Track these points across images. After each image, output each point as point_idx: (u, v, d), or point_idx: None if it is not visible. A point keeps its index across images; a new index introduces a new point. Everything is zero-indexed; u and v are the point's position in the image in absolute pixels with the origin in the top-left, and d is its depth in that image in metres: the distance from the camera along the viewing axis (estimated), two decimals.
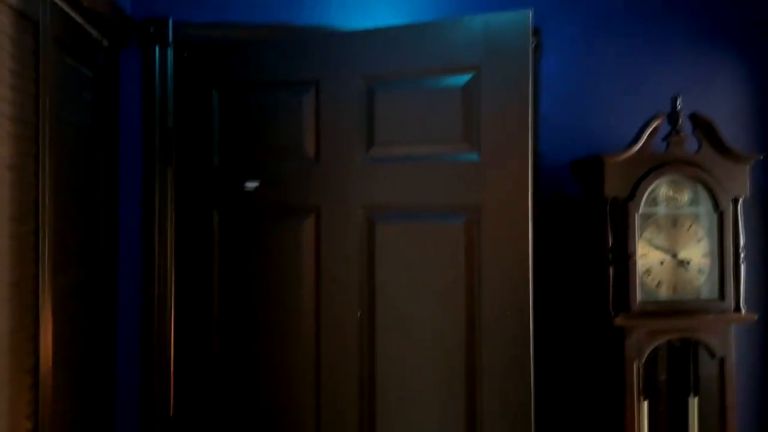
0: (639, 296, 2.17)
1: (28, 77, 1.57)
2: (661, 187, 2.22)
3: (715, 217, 2.23)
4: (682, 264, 2.23)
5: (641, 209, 2.18)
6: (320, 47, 2.14)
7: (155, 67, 2.25)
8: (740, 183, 2.22)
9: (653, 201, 2.21)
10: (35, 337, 1.59)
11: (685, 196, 2.24)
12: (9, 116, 1.46)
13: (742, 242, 2.22)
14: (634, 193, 2.17)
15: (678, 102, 2.22)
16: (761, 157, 2.28)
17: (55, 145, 1.68)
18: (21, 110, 1.52)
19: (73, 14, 1.87)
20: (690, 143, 2.22)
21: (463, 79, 1.99)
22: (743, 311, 2.22)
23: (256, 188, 2.17)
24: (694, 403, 2.28)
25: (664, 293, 2.22)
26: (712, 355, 2.22)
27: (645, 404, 2.20)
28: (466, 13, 2.36)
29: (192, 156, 2.24)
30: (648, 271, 2.21)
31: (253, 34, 2.32)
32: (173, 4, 2.27)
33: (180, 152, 2.27)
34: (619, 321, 2.14)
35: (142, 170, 2.27)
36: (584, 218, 2.38)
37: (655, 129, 2.19)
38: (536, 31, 2.41)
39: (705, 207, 2.24)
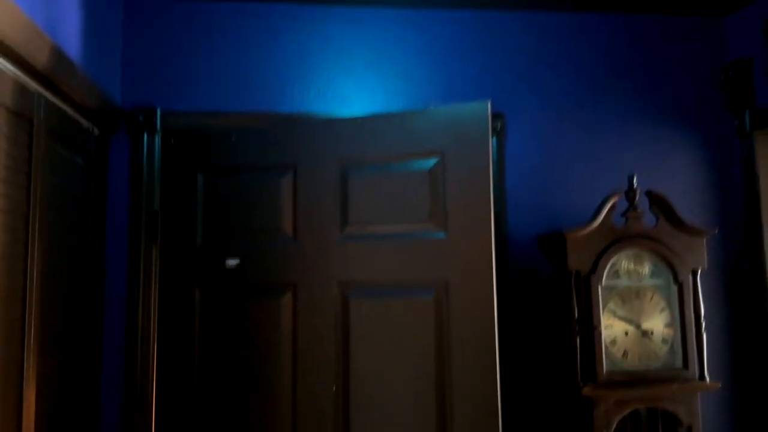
0: (606, 366, 2.25)
1: (21, 171, 1.70)
2: (622, 261, 2.34)
3: (675, 289, 2.34)
4: (646, 334, 2.32)
5: (604, 282, 2.29)
6: (298, 134, 2.29)
7: (143, 152, 2.40)
8: (698, 255, 2.34)
9: (615, 274, 2.33)
10: (18, 416, 1.65)
11: (646, 269, 2.35)
12: (1, 208, 1.58)
13: (702, 312, 2.32)
14: (596, 267, 2.28)
15: (634, 180, 2.37)
16: (716, 231, 2.42)
17: (44, 232, 1.80)
18: (13, 202, 1.64)
19: (65, 108, 2.02)
20: (648, 218, 2.36)
21: (429, 163, 2.13)
22: (707, 380, 2.29)
23: (237, 265, 2.27)
24: None
25: (629, 363, 2.30)
26: (680, 423, 2.28)
27: None
28: (435, 101, 2.55)
29: (176, 235, 2.35)
30: (614, 342, 2.30)
31: (237, 120, 2.48)
32: (161, 94, 2.44)
33: (165, 232, 2.38)
34: (587, 391, 2.21)
35: (128, 249, 2.38)
36: (552, 290, 2.49)
37: (613, 206, 2.33)
38: (500, 116, 2.59)
39: (665, 279, 2.35)
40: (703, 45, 2.76)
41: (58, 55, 1.79)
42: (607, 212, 2.32)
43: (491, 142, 2.07)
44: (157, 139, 2.41)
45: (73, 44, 1.99)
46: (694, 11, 2.72)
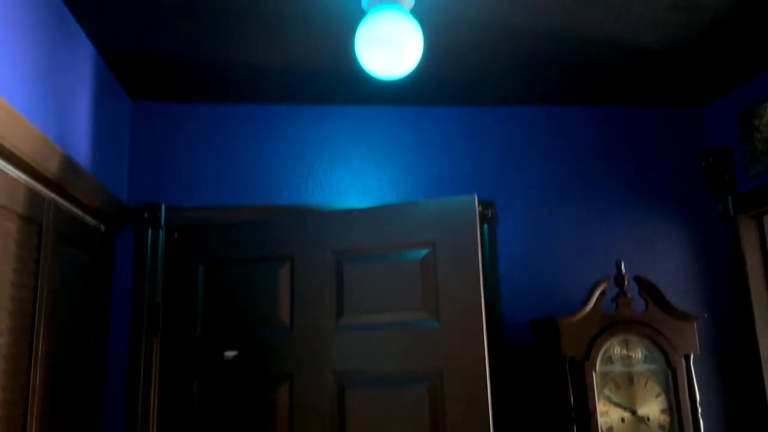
0: None
1: (30, 272, 1.79)
2: (615, 346, 2.37)
3: (669, 373, 2.35)
4: (643, 421, 2.32)
5: (598, 368, 2.31)
6: (295, 226, 2.39)
7: (147, 247, 2.50)
8: (689, 340, 2.37)
9: (609, 359, 2.35)
10: None
11: (639, 354, 2.38)
12: (9, 310, 1.66)
13: (698, 397, 2.33)
14: (589, 353, 2.31)
15: (622, 266, 2.43)
16: (706, 315, 2.45)
17: (48, 329, 1.87)
18: (20, 303, 1.72)
19: (74, 210, 2.14)
20: (638, 303, 2.40)
21: (421, 253, 2.21)
22: None
23: (235, 357, 2.32)
24: None
25: None
26: None
27: None
28: (428, 192, 2.66)
29: (176, 327, 2.42)
30: (610, 429, 2.30)
31: (238, 214, 2.59)
32: (166, 191, 2.57)
33: (166, 324, 2.45)
34: None
35: (129, 341, 2.43)
36: (548, 373, 2.51)
37: (603, 291, 2.38)
38: (490, 204, 2.69)
39: (659, 364, 2.37)
40: (685, 133, 2.89)
41: (67, 162, 1.92)
42: (597, 298, 2.37)
43: (482, 230, 2.16)
44: (161, 234, 2.52)
45: (82, 151, 2.13)
46: (675, 101, 2.86)
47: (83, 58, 2.15)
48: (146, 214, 2.51)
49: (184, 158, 2.62)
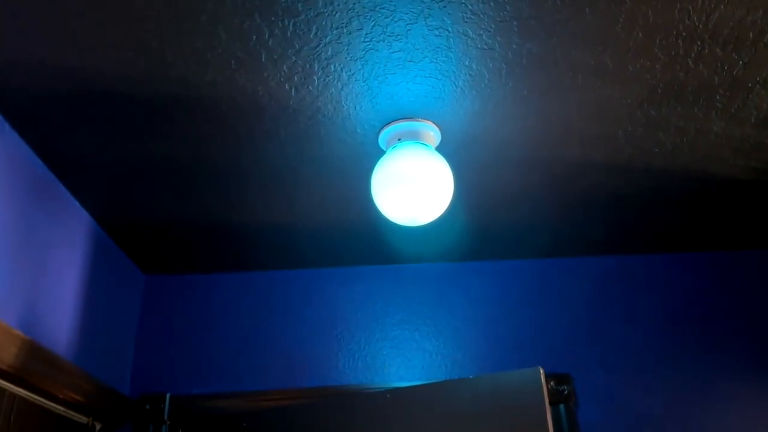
0: None
1: None
2: None
3: None
4: None
5: None
6: (323, 414, 1.94)
7: None
8: None
9: None
10: None
11: None
12: None
13: None
14: None
15: None
16: None
17: None
18: None
19: (52, 405, 1.78)
20: None
21: None
22: None
23: None
24: None
25: None
26: None
27: None
28: (482, 367, 2.20)
29: None
30: None
31: (254, 401, 2.16)
32: (174, 377, 2.20)
33: None
34: None
35: None
36: None
37: None
38: (565, 378, 2.17)
39: None
40: None
41: (34, 350, 1.60)
42: None
43: (557, 411, 1.66)
44: (164, 429, 2.11)
45: (65, 337, 1.83)
46: None
47: (73, 232, 1.92)
48: (148, 406, 2.12)
49: (196, 338, 2.28)
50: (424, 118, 1.61)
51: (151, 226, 2.07)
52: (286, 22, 1.28)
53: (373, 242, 2.23)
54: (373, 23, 1.30)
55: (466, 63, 1.41)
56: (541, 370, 1.69)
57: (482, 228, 2.18)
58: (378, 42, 1.35)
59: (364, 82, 1.46)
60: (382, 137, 1.63)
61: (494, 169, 1.83)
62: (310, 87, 1.47)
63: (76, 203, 1.92)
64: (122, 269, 2.24)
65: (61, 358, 1.74)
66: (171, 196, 1.91)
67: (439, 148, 1.71)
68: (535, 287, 2.36)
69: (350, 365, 2.25)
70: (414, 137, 1.61)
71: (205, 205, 1.97)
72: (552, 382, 2.15)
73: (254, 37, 1.31)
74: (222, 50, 1.34)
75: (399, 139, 1.61)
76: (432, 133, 1.64)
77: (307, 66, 1.40)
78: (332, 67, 1.41)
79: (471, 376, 1.84)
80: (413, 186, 1.54)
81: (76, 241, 1.92)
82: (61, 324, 1.81)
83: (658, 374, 2.19)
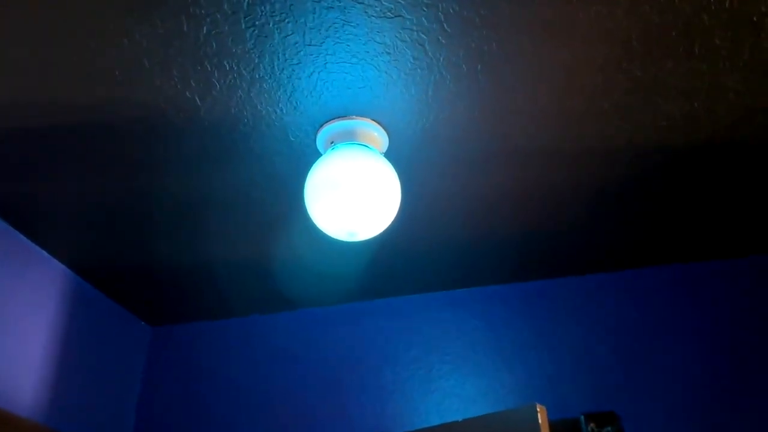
0: None
1: None
2: None
3: None
4: None
5: None
6: None
7: None
8: None
9: None
10: None
11: None
12: None
13: None
14: None
15: None
16: None
17: None
18: None
19: None
20: None
21: None
22: None
23: None
24: None
25: None
26: None
27: None
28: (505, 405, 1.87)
29: None
30: None
31: None
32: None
33: None
34: None
35: None
36: None
37: None
38: (609, 418, 1.77)
39: None
40: None
41: None
42: None
43: None
44: None
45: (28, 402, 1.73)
46: None
47: (42, 285, 1.84)
48: None
49: (194, 404, 2.12)
50: (363, 116, 1.40)
51: (138, 272, 1.97)
52: (156, 19, 1.13)
53: (380, 272, 1.99)
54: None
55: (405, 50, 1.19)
56: (539, 408, 1.36)
57: (498, 245, 1.88)
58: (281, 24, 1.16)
59: (273, 78, 1.27)
60: (319, 141, 1.43)
61: (489, 174, 1.56)
62: (214, 92, 1.30)
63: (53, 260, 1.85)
64: (127, 324, 2.15)
65: (25, 420, 1.64)
66: (156, 239, 1.79)
67: (388, 155, 1.48)
68: (564, 310, 1.99)
69: (365, 412, 1.99)
70: (351, 138, 1.39)
71: (193, 247, 1.84)
72: (592, 425, 1.77)
73: (125, 41, 1.17)
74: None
75: (332, 142, 1.40)
76: (375, 134, 1.41)
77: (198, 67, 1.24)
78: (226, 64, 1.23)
79: (460, 419, 1.52)
80: (346, 192, 1.31)
81: (47, 295, 1.83)
82: (26, 383, 1.71)
83: (725, 407, 1.74)
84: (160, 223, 1.72)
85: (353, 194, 1.31)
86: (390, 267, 1.97)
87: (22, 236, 1.74)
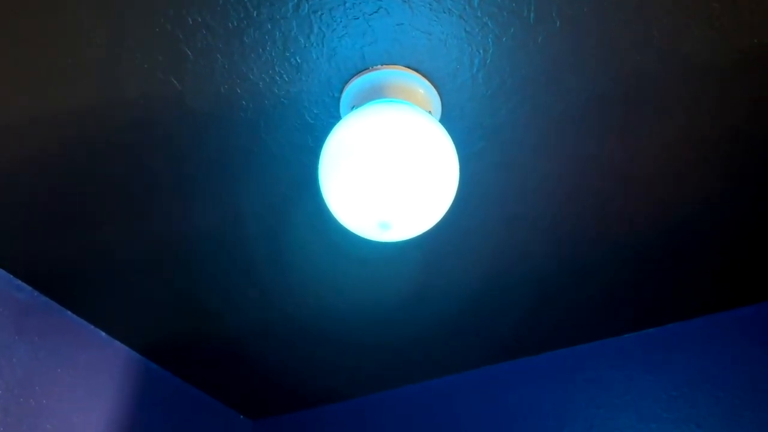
0: None
1: None
2: None
3: None
4: None
5: None
6: None
7: None
8: None
9: None
10: None
11: None
12: None
13: None
14: None
15: None
16: None
17: None
18: None
19: None
20: None
21: None
22: None
23: None
24: None
25: None
26: None
27: None
28: None
29: None
30: None
31: None
32: None
33: None
34: None
35: None
36: None
37: None
38: None
39: None
40: None
41: None
42: None
43: None
44: None
45: None
46: None
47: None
48: None
49: None
50: (407, 67, 0.98)
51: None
52: None
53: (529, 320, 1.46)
54: None
55: None
56: None
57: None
58: None
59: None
60: (342, 106, 1.03)
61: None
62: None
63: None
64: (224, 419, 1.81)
65: None
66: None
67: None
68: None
69: None
70: (382, 94, 0.97)
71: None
72: None
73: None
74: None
75: (353, 107, 0.99)
76: (422, 91, 0.98)
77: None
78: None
79: None
80: (373, 162, 0.87)
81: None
82: None
83: None
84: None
85: (380, 162, 0.88)
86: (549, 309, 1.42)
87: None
